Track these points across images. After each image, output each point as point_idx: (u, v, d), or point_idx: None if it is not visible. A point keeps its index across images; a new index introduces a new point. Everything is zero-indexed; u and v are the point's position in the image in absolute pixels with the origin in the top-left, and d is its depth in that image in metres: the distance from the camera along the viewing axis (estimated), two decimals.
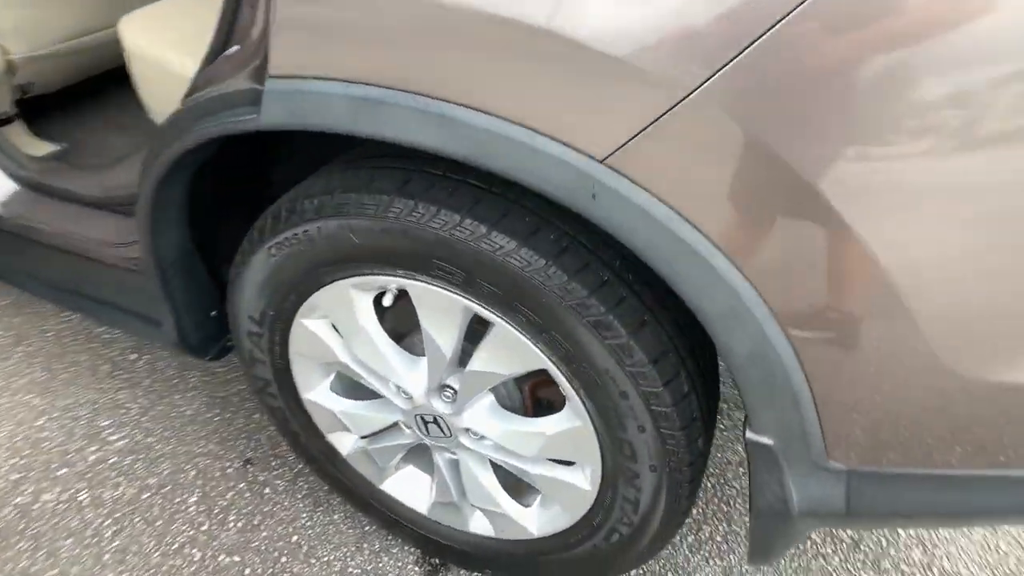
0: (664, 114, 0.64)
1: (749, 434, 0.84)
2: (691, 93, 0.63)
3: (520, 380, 1.11)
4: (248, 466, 1.60)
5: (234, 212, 1.32)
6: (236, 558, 1.42)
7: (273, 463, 1.61)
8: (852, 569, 1.37)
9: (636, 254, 0.73)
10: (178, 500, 1.53)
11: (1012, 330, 0.68)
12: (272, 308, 1.12)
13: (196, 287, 1.27)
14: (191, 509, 1.51)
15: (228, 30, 1.01)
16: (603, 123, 0.67)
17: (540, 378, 1.12)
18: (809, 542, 1.41)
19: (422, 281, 0.96)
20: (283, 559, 1.41)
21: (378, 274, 0.99)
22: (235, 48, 0.98)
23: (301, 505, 1.51)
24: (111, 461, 1.62)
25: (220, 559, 1.42)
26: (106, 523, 1.49)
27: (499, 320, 0.94)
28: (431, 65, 0.72)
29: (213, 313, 1.33)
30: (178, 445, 1.65)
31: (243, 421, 1.71)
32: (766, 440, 0.83)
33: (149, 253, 1.13)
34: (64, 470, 1.60)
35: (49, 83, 1.83)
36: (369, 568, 1.39)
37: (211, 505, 1.52)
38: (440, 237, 0.89)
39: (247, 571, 1.40)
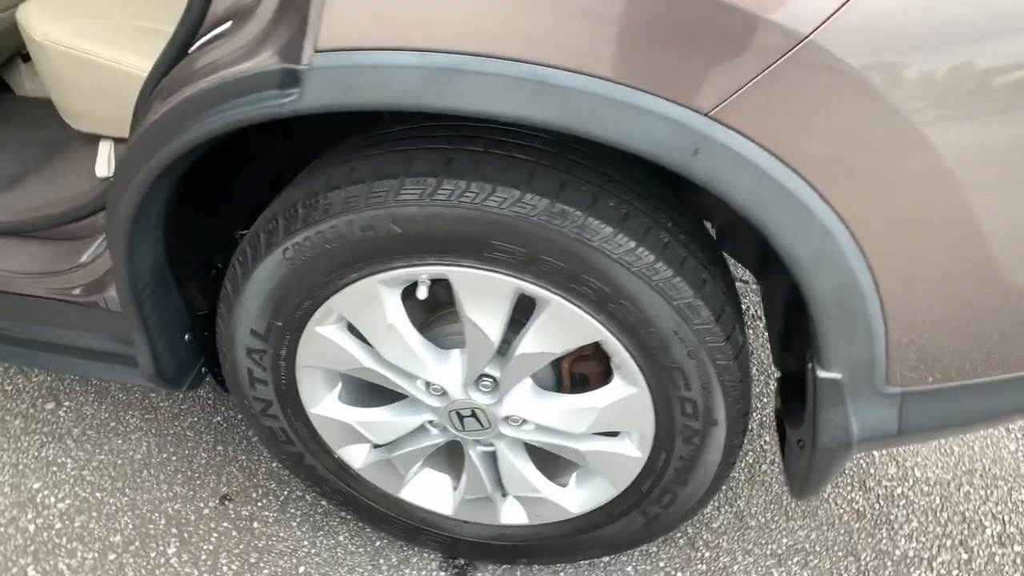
0: (776, 62, 0.65)
1: (820, 372, 0.87)
2: (804, 39, 0.64)
3: (557, 359, 1.09)
4: (227, 502, 1.45)
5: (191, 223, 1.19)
6: None
7: (254, 494, 1.47)
8: (844, 492, 1.48)
9: (734, 206, 0.73)
10: (154, 554, 1.36)
11: None
12: (281, 318, 1.02)
13: (170, 310, 1.13)
14: (172, 560, 1.35)
15: (200, 14, 0.90)
16: (711, 75, 0.66)
17: (578, 354, 1.10)
18: None
19: (469, 267, 0.91)
20: None
21: (417, 265, 0.92)
22: (224, 28, 0.88)
23: (299, 533, 1.40)
24: (57, 527, 1.41)
25: None
26: None
27: (556, 297, 0.91)
28: (524, 27, 0.67)
29: (187, 337, 1.19)
30: (136, 495, 1.47)
31: (205, 456, 1.55)
32: (836, 375, 0.87)
33: (125, 276, 0.99)
34: None
35: None
36: None
37: (195, 552, 1.37)
38: (500, 216, 0.84)
39: None
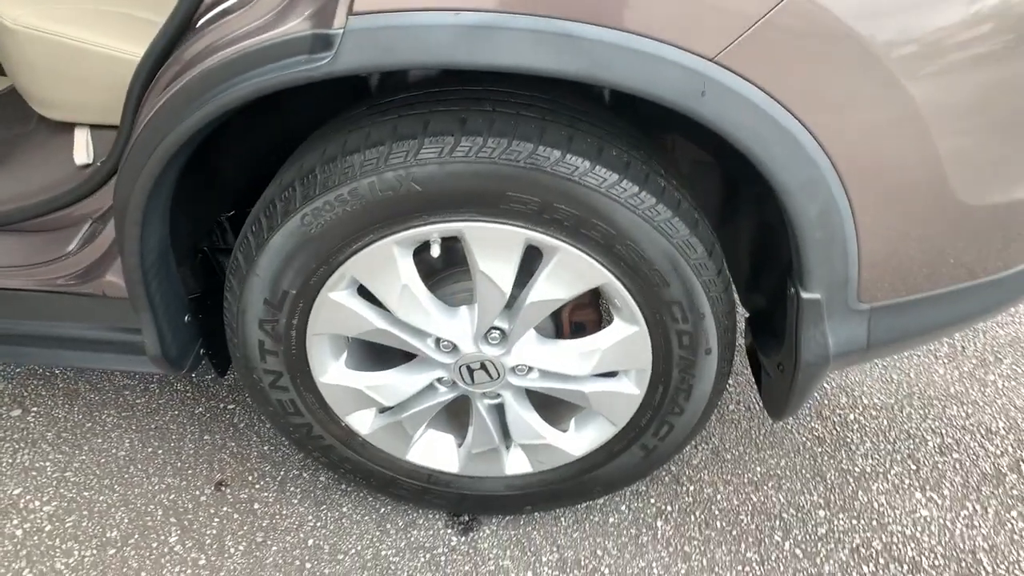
0: (769, 11, 0.74)
1: (803, 294, 0.98)
2: None
3: (556, 310, 1.16)
4: (223, 488, 1.46)
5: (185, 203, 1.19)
6: None
7: (250, 478, 1.48)
8: (804, 422, 1.62)
9: (734, 143, 0.83)
10: (155, 544, 1.35)
11: (1003, 161, 0.89)
12: (295, 286, 1.05)
13: (171, 291, 1.13)
14: (176, 548, 1.35)
15: None
16: (714, 23, 0.75)
17: (575, 303, 1.19)
18: (764, 412, 1.64)
19: (484, 220, 0.97)
20: (308, 565, 1.33)
21: (433, 223, 0.98)
22: (232, 3, 0.90)
23: (302, 509, 1.42)
24: (47, 529, 1.38)
25: None
26: None
27: (564, 244, 0.99)
28: None
29: (187, 318, 1.19)
30: (127, 490, 1.45)
31: (193, 447, 1.54)
32: (816, 295, 0.98)
33: (136, 253, 0.99)
34: None
35: None
36: (402, 545, 1.36)
37: (198, 538, 1.37)
38: (516, 169, 0.91)
39: None
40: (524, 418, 1.22)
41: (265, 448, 1.54)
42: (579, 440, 1.25)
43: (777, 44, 0.76)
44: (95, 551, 1.34)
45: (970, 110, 0.84)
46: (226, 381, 1.69)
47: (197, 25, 0.93)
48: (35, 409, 1.62)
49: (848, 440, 1.58)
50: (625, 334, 1.09)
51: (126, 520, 1.39)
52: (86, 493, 1.44)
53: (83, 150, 1.22)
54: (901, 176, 0.87)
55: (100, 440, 1.55)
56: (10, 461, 1.50)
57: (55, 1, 1.18)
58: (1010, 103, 0.86)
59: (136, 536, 1.37)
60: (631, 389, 1.16)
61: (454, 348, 1.13)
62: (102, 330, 1.19)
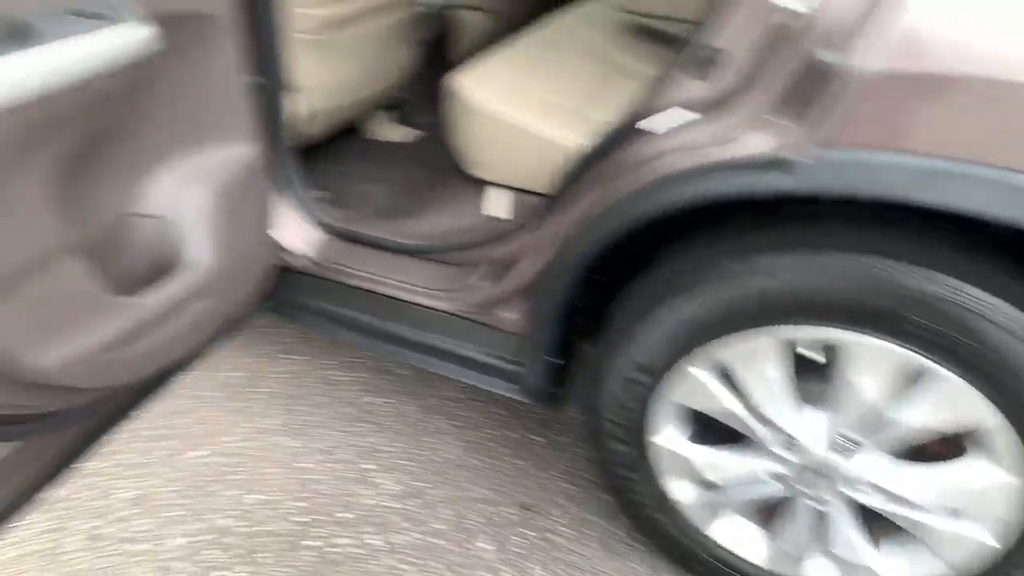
0: None
1: None
2: None
3: None
4: (528, 512, 1.62)
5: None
6: None
7: (553, 511, 1.63)
8: None
9: None
10: (468, 546, 1.55)
11: None
12: (668, 358, 1.17)
13: (557, 337, 1.32)
14: (488, 556, 1.53)
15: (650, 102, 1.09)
16: None
17: None
18: None
19: (876, 337, 1.01)
20: None
21: (819, 325, 1.04)
22: (691, 118, 1.05)
23: (597, 556, 1.54)
24: (390, 506, 1.64)
25: None
26: (405, 567, 1.51)
27: (953, 375, 0.99)
28: (1013, 140, 0.79)
29: (556, 362, 1.38)
30: (452, 491, 1.68)
31: (509, 467, 1.74)
32: None
33: (559, 305, 1.19)
34: (347, 514, 1.62)
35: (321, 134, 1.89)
36: None
37: (506, 553, 1.54)
38: (930, 299, 0.94)
39: None
40: (847, 531, 1.21)
41: (564, 485, 1.69)
42: (897, 568, 1.21)
43: None
44: (421, 536, 1.57)
45: None
46: (532, 415, 1.89)
47: (660, 132, 1.09)
48: (391, 400, 1.94)
49: None
50: (999, 481, 1.04)
51: (450, 517, 1.62)
52: (419, 484, 1.70)
53: (499, 206, 1.48)
54: None
55: (430, 439, 1.81)
56: (366, 440, 1.82)
57: (515, 89, 1.46)
58: None
59: (455, 533, 1.58)
60: (985, 538, 1.10)
61: (802, 448, 1.16)
62: (480, 353, 1.42)
